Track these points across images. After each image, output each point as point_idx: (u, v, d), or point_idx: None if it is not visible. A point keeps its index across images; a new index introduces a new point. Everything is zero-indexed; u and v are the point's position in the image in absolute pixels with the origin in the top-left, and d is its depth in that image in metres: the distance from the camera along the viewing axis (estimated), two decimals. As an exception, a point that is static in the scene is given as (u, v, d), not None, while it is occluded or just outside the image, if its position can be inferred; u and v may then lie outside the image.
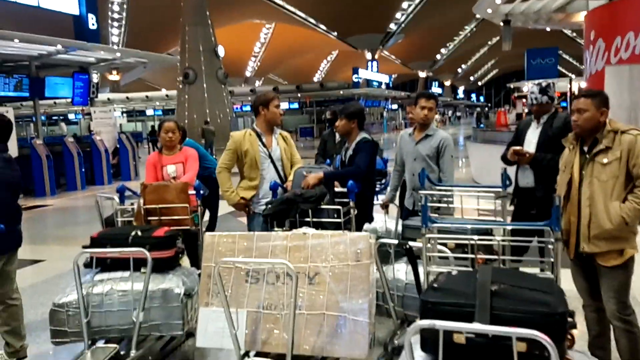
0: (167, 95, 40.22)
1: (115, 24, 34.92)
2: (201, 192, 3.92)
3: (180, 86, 25.58)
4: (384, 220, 3.88)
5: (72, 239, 6.95)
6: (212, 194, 5.13)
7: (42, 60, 12.40)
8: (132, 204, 3.90)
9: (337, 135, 5.35)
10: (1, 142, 3.40)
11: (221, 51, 26.41)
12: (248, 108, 41.27)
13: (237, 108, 37.10)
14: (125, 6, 33.54)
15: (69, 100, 14.10)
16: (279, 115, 3.85)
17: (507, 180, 3.30)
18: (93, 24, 12.99)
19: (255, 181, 3.74)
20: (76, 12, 12.78)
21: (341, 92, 37.58)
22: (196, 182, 4.01)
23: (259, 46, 49.35)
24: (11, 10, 12.15)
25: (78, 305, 2.90)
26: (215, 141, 20.14)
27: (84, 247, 3.11)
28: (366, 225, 3.36)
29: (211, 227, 5.64)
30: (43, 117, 28.83)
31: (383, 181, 5.45)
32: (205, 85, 24.90)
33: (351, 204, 3.28)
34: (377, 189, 4.63)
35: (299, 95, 38.51)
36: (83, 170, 12.38)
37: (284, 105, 34.80)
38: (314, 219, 3.17)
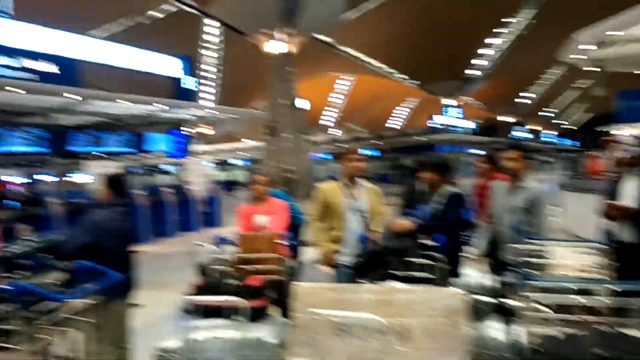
0: (253, 146, 42.27)
1: (210, 83, 37.85)
2: (291, 242, 4.08)
3: (266, 138, 26.85)
4: (476, 274, 3.78)
5: (168, 285, 7.35)
6: (297, 243, 5.29)
7: (147, 118, 13.69)
8: (227, 253, 4.13)
9: (421, 186, 5.35)
10: (118, 196, 3.80)
11: (303, 104, 27.53)
12: (329, 156, 42.19)
13: (317, 156, 38.05)
14: (218, 67, 36.38)
15: (167, 153, 15.29)
16: (361, 168, 3.95)
17: (608, 234, 3.13)
18: (192, 85, 14.20)
19: (339, 232, 3.81)
20: (178, 75, 14.08)
21: (422, 138, 37.36)
22: (286, 233, 4.19)
23: (339, 97, 50.83)
24: (123, 74, 13.63)
25: (182, 351, 3.08)
26: (297, 189, 20.69)
27: (185, 294, 3.33)
28: (456, 280, 3.30)
29: (295, 275, 5.77)
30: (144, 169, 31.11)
31: (472, 233, 5.31)
32: (288, 136, 25.94)
33: (440, 257, 3.26)
34: (466, 241, 4.55)
35: (379, 142, 38.76)
36: (178, 217, 13.21)
37: (365, 153, 35.12)
38: (402, 273, 3.17)
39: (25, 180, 19.98)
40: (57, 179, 12.59)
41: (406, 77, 43.02)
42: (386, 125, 54.21)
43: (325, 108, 52.15)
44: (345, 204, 3.80)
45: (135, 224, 12.01)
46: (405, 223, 3.45)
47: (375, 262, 3.27)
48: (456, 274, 3.55)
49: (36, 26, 10.82)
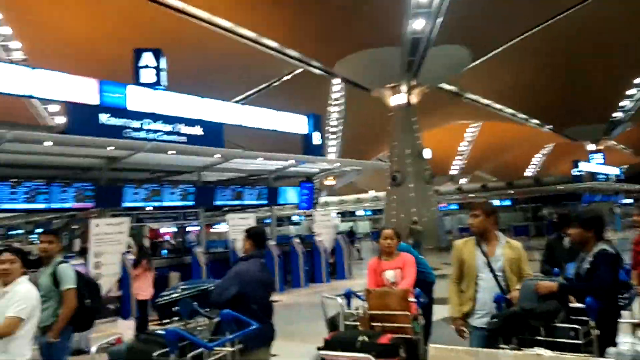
0: (376, 197, 42.52)
1: (333, 136, 39.49)
2: (421, 300, 3.97)
3: (389, 188, 26.91)
4: (634, 343, 3.33)
5: (299, 335, 7.54)
6: (427, 299, 5.11)
7: (277, 173, 14.63)
8: (356, 308, 4.15)
9: (567, 241, 4.91)
10: (258, 248, 4.05)
11: (427, 153, 27.27)
12: (455, 206, 40.73)
13: (443, 207, 36.97)
14: (341, 121, 37.91)
15: (295, 204, 16.03)
16: (479, 223, 3.65)
17: None
18: (318, 140, 14.94)
19: (471, 291, 3.59)
20: (305, 131, 14.94)
21: (560, 187, 34.47)
22: (416, 290, 4.09)
23: (465, 144, 49.48)
24: (255, 133, 14.80)
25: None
26: (423, 241, 20.20)
27: (319, 348, 3.40)
28: (611, 349, 2.94)
29: (426, 334, 5.55)
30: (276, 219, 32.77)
31: (626, 295, 4.71)
32: (412, 186, 25.72)
33: (591, 323, 2.94)
34: (622, 305, 4.03)
35: (510, 192, 36.58)
36: (306, 268, 13.60)
37: (495, 202, 33.29)
38: (547, 338, 2.91)
39: (175, 231, 22.23)
40: (203, 230, 13.82)
41: (538, 122, 40.58)
42: (518, 172, 51.14)
43: (452, 157, 51.01)
44: (478, 260, 3.59)
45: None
46: (550, 284, 3.16)
47: (514, 326, 3.04)
48: (610, 342, 3.15)
49: (185, 95, 12.38)
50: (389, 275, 4.42)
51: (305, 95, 31.50)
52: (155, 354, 3.01)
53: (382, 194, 33.05)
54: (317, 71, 29.06)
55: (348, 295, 4.31)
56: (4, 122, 9.63)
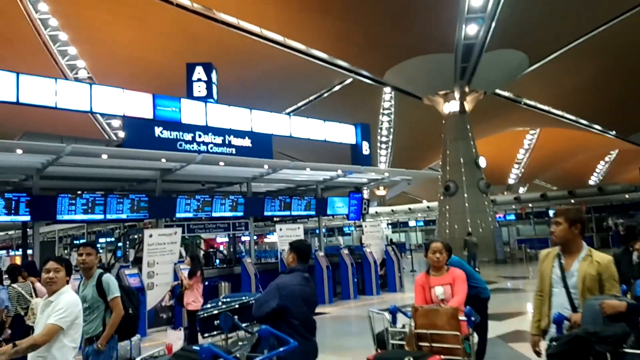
0: (428, 207, 41.61)
1: (383, 146, 39.07)
2: (472, 319, 3.72)
3: (442, 198, 26.23)
4: None
5: (346, 350, 7.37)
6: (481, 316, 4.82)
7: (326, 183, 14.54)
8: (403, 326, 3.95)
9: (635, 256, 4.50)
10: (302, 262, 3.94)
11: (482, 162, 26.41)
12: (512, 217, 39.16)
13: (500, 217, 35.61)
14: (392, 130, 37.46)
15: (345, 215, 15.85)
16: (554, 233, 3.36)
17: None
18: (366, 150, 14.75)
19: (546, 307, 3.26)
20: (353, 141, 14.80)
21: (627, 196, 32.40)
22: (467, 308, 3.84)
23: (522, 152, 47.62)
24: (305, 144, 14.83)
25: None
26: (478, 253, 19.48)
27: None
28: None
29: (480, 353, 5.23)
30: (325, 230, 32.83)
31: None
32: (466, 196, 24.94)
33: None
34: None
35: (572, 201, 34.80)
36: (355, 280, 13.38)
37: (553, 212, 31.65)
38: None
39: (227, 241, 22.62)
40: (252, 240, 13.94)
41: (601, 127, 38.43)
42: (579, 181, 48.59)
43: (509, 165, 49.21)
44: (552, 274, 3.25)
45: (316, 285, 12.48)
46: (618, 303, 2.84)
47: (576, 351, 2.75)
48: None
49: (235, 107, 12.58)
50: (438, 291, 4.19)
51: (355, 105, 31.43)
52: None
53: (435, 204, 32.27)
54: (367, 80, 28.92)
55: (394, 312, 4.12)
56: (67, 137, 10.08)
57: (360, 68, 27.86)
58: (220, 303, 4.23)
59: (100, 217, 10.45)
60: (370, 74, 28.24)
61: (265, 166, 11.67)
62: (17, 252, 26.23)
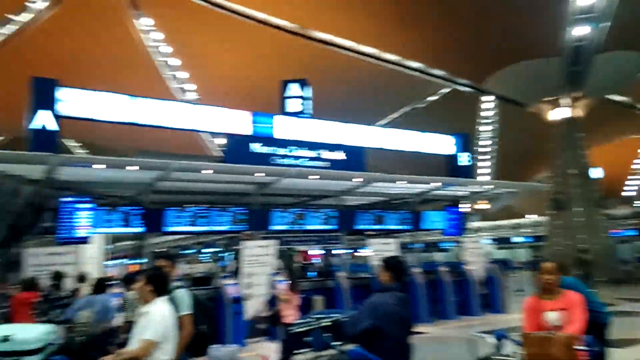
0: (537, 222, 38.82)
1: (485, 157, 37.23)
2: (594, 349, 3.25)
3: (550, 212, 24.30)
4: None
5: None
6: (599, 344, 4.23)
7: (421, 196, 14.07)
8: (512, 354, 3.56)
9: None
10: (397, 280, 3.71)
11: (597, 172, 24.12)
12: (633, 232, 35.23)
13: (617, 233, 32.19)
14: (493, 140, 35.62)
15: (443, 230, 15.19)
16: None
17: None
18: (466, 161, 14.08)
19: None
20: (451, 152, 14.21)
21: None
22: (587, 337, 3.37)
23: (642, 162, 42.96)
24: (401, 156, 14.51)
25: None
26: (595, 274, 17.65)
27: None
28: None
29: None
30: (421, 245, 31.95)
31: None
32: (578, 210, 22.88)
33: None
34: None
35: None
36: (456, 299, 12.71)
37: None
38: None
39: (321, 254, 22.79)
40: (346, 254, 13.86)
41: None
42: None
43: (626, 176, 44.59)
44: None
45: (413, 302, 12.00)
46: None
47: None
48: None
49: (328, 122, 12.67)
50: (552, 317, 3.73)
51: (453, 115, 30.39)
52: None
53: (544, 218, 30.00)
54: (465, 89, 27.86)
55: (500, 337, 3.73)
56: (175, 154, 10.79)
57: (458, 77, 26.94)
58: (311, 319, 4.12)
59: (204, 228, 10.99)
60: (469, 82, 27.19)
61: (357, 179, 11.56)
62: (132, 261, 28.55)
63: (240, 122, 11.50)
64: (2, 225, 16.28)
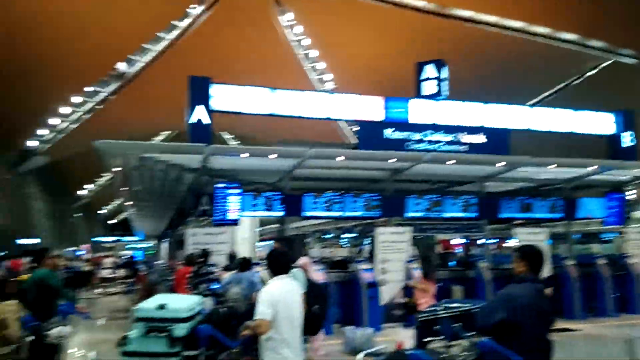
0: None
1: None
2: None
3: None
4: None
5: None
6: None
7: (575, 182, 12.70)
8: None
9: None
10: (533, 272, 3.44)
11: None
12: None
13: None
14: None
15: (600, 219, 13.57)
16: None
17: None
18: (629, 141, 12.37)
19: None
20: (611, 132, 12.60)
21: None
22: None
23: None
24: (551, 137, 13.23)
25: None
26: None
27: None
28: None
29: None
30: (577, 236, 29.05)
31: None
32: None
33: None
34: None
35: None
36: (615, 295, 11.37)
37: None
38: None
39: (462, 243, 21.95)
40: (489, 244, 13.14)
41: None
42: None
43: None
44: None
45: (564, 297, 11.03)
46: None
47: None
48: None
49: (467, 103, 12.03)
50: None
51: (615, 91, 26.82)
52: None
53: None
54: (630, 60, 24.39)
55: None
56: (313, 142, 11.21)
57: (620, 47, 23.69)
58: (441, 308, 4.01)
59: (339, 214, 11.30)
60: (633, 53, 23.77)
61: (500, 163, 10.84)
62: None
63: (373, 108, 11.51)
64: (170, 208, 18.58)
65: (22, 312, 5.07)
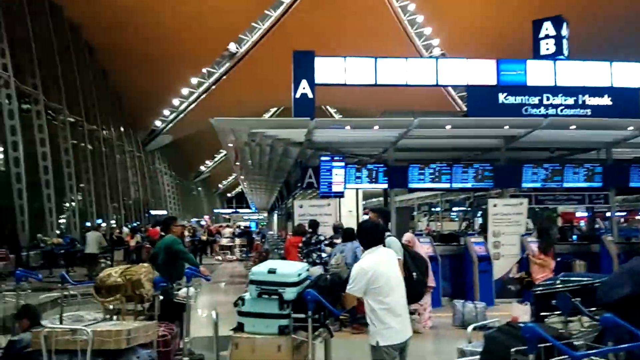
0: None
1: None
2: None
3: None
4: None
5: None
6: None
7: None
8: None
9: None
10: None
11: None
12: None
13: None
14: None
15: None
16: None
17: None
18: None
19: None
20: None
21: None
22: None
23: None
24: None
25: None
26: None
27: None
28: None
29: None
30: None
31: None
32: None
33: None
34: None
35: None
36: None
37: None
38: None
39: (586, 215, 20.19)
40: (614, 215, 11.93)
41: None
42: None
43: None
44: None
45: None
46: None
47: None
48: None
49: (591, 62, 10.88)
50: None
51: None
52: (513, 350, 2.73)
53: None
54: None
55: None
56: (418, 112, 10.90)
57: None
58: (558, 281, 3.75)
59: (447, 185, 10.93)
60: None
61: (630, 127, 9.68)
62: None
63: (485, 71, 10.87)
64: (278, 181, 19.41)
65: (154, 274, 5.64)
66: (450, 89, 30.19)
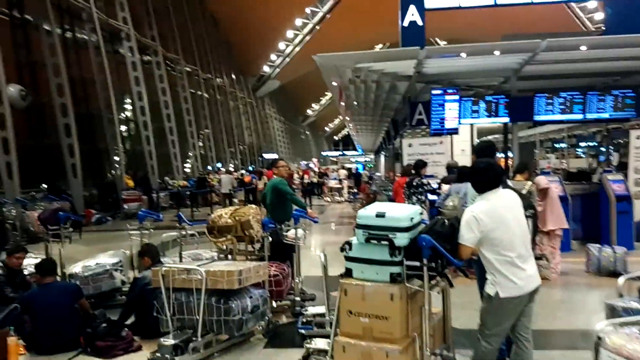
0: None
1: None
2: None
3: None
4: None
5: None
6: None
7: None
8: None
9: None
10: None
11: None
12: None
13: None
14: None
15: None
16: None
17: None
18: None
19: None
20: None
21: None
22: None
23: None
24: None
25: None
26: None
27: None
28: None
29: None
30: None
31: None
32: None
33: None
34: None
35: None
36: None
37: None
38: None
39: None
40: None
41: None
42: None
43: None
44: None
45: None
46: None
47: None
48: None
49: None
50: None
51: None
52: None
53: None
54: None
55: None
56: (544, 34, 9.54)
57: None
58: None
59: (579, 117, 9.65)
60: None
61: None
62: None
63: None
64: (385, 120, 18.76)
65: (262, 215, 5.62)
66: (577, 9, 26.58)
